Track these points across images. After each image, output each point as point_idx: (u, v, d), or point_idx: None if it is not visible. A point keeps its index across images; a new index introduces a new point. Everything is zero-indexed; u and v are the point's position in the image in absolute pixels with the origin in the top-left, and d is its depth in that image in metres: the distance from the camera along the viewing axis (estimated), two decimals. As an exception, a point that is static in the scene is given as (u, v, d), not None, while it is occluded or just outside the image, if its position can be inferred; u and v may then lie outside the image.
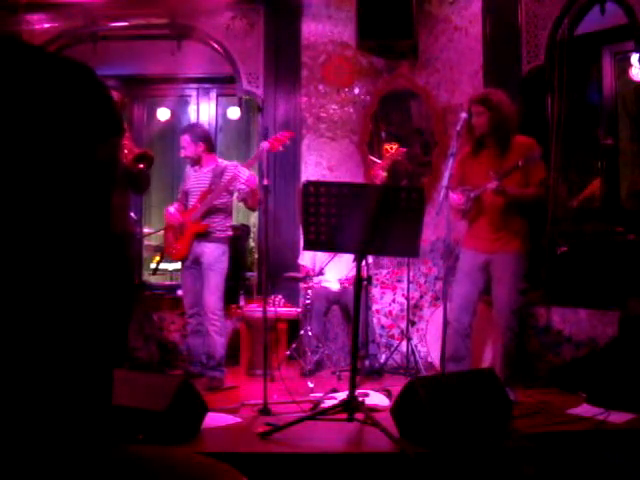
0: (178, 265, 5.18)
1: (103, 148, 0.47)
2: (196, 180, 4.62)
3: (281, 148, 4.24)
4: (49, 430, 0.36)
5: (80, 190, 0.41)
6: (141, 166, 4.07)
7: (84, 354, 0.39)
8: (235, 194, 4.58)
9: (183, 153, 4.66)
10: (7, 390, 0.34)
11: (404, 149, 5.26)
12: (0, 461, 0.35)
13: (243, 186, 4.43)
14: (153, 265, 5.82)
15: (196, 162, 4.64)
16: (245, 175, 4.40)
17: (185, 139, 4.62)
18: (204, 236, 4.47)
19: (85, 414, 0.39)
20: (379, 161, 5.20)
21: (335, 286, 5.17)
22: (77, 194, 0.41)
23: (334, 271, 5.17)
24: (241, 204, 4.69)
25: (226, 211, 4.57)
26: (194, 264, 4.52)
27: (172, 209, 4.62)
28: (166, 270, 6.64)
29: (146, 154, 4.14)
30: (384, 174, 4.88)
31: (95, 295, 0.40)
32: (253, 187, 4.44)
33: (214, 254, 4.46)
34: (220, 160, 4.68)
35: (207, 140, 4.66)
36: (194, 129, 4.76)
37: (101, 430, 0.41)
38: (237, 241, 5.51)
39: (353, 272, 4.92)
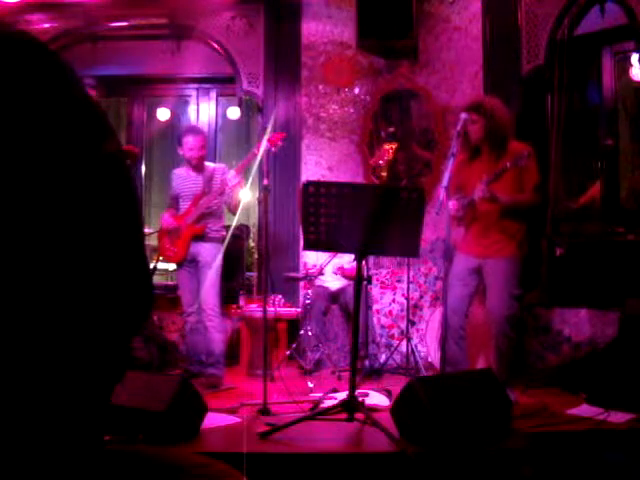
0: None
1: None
2: (188, 184, 4.64)
3: (273, 148, 4.20)
4: (47, 429, 0.36)
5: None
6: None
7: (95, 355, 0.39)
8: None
9: (197, 153, 4.56)
10: (9, 389, 0.34)
11: (395, 144, 5.19)
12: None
13: (230, 190, 4.49)
14: (151, 265, 5.82)
15: (198, 166, 4.62)
16: (232, 181, 4.43)
17: (200, 140, 4.59)
18: (201, 237, 4.54)
19: (85, 414, 0.39)
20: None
21: (335, 284, 5.17)
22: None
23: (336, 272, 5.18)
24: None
25: (217, 213, 4.62)
26: (190, 263, 4.58)
27: (167, 215, 4.66)
28: (167, 270, 6.64)
29: (131, 151, 4.21)
30: (384, 174, 4.87)
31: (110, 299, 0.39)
32: (236, 191, 4.49)
33: (211, 253, 4.53)
34: (207, 163, 4.70)
35: None
36: (204, 132, 4.80)
37: (99, 430, 0.41)
38: (237, 241, 5.51)
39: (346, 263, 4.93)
